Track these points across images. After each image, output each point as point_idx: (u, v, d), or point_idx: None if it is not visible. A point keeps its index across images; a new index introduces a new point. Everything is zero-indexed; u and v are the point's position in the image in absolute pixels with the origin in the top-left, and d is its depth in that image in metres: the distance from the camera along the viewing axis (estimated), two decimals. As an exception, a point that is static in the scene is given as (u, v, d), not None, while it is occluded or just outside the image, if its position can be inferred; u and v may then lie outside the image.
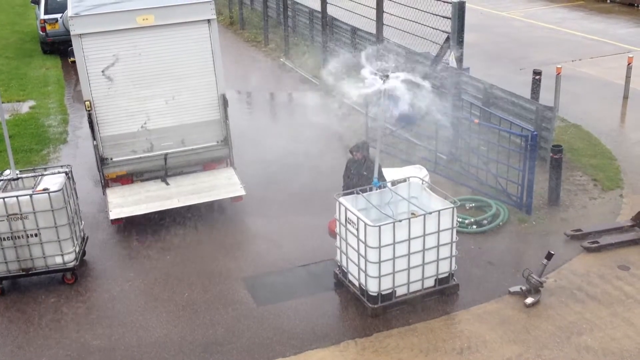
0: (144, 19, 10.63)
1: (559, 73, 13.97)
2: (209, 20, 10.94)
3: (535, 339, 8.14)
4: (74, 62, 11.25)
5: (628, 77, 15.53)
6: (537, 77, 13.86)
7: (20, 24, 27.28)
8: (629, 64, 15.41)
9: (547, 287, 8.95)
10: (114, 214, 10.53)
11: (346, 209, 8.60)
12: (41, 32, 21.96)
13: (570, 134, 13.71)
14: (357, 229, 8.40)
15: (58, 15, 21.30)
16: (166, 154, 11.22)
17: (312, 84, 17.35)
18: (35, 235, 9.21)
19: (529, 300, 8.75)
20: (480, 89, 13.28)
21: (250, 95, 17.41)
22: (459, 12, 12.07)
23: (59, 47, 21.44)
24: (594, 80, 17.06)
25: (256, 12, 25.34)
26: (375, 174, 9.32)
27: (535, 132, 10.72)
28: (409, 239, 8.40)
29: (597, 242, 9.92)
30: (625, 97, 15.56)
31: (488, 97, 13.06)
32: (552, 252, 8.83)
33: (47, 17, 21.61)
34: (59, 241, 9.31)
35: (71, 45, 10.62)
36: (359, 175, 9.42)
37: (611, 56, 18.84)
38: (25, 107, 17.09)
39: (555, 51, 19.51)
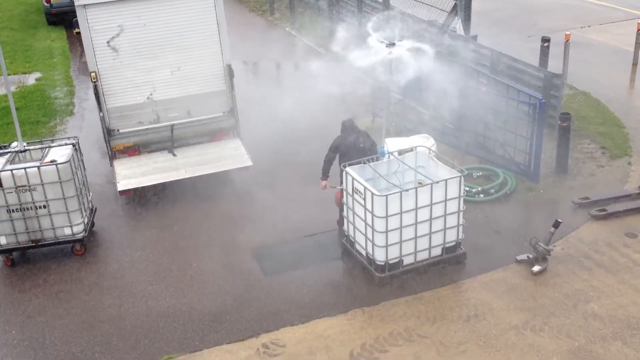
0: (148, -11, 10.56)
1: (568, 40, 13.81)
2: (213, -10, 10.85)
3: (542, 307, 8.18)
4: (79, 33, 11.20)
5: (637, 43, 15.36)
6: (546, 44, 13.71)
7: (25, -5, 27.10)
8: (638, 31, 15.22)
9: (554, 255, 8.96)
10: (121, 185, 10.56)
11: (353, 178, 8.59)
12: (46, 4, 21.86)
13: (578, 101, 13.61)
14: (364, 199, 8.41)
15: (62, -13, 21.16)
16: (172, 125, 11.21)
17: (319, 53, 17.24)
18: (44, 206, 9.26)
19: (536, 268, 8.77)
20: (488, 57, 13.16)
21: (255, 65, 17.30)
22: (466, -21, 11.94)
23: (63, 18, 21.35)
24: (603, 47, 16.88)
25: (261, -19, 25.09)
26: (382, 143, 9.29)
27: (543, 100, 10.63)
28: (416, 208, 8.40)
29: (605, 210, 9.90)
30: (635, 64, 15.40)
31: (495, 64, 12.94)
32: (560, 220, 8.82)
33: (51, -12, 21.49)
34: (68, 212, 9.37)
35: (76, 17, 10.56)
36: (357, 150, 9.33)
37: (620, 22, 18.61)
38: (31, 79, 17.07)
39: (564, 18, 19.28)
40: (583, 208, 10.08)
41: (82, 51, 19.17)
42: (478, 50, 13.35)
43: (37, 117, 14.50)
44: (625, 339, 7.61)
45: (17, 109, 10.91)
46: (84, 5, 10.40)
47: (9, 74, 14.67)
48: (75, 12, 10.55)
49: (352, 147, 9.33)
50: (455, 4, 12.32)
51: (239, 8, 23.22)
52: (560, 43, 13.90)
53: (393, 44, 9.65)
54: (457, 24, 12.60)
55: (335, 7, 18.17)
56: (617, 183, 10.83)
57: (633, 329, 7.75)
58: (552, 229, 8.82)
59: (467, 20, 12.47)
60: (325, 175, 9.52)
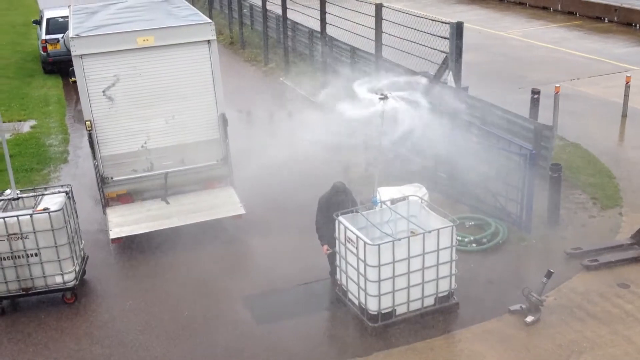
0: (144, 40, 10.73)
1: (558, 92, 14.04)
2: (209, 41, 11.03)
3: (535, 358, 8.13)
4: (74, 82, 11.34)
5: (626, 95, 15.62)
6: (536, 96, 13.93)
7: (22, 43, 27.47)
8: (627, 83, 15.51)
9: (547, 306, 8.94)
10: (114, 233, 10.55)
11: (345, 227, 8.62)
12: (42, 52, 22.14)
13: (569, 152, 13.76)
14: (357, 248, 8.42)
15: (59, 36, 21.46)
16: (166, 173, 11.27)
17: (312, 103, 17.43)
18: (36, 254, 9.23)
19: (529, 318, 8.74)
20: (479, 108, 13.33)
21: (250, 114, 17.46)
22: (457, 32, 12.17)
23: (60, 67, 21.60)
24: (592, 99, 17.15)
25: (256, 32, 25.51)
26: (375, 193, 9.35)
27: (533, 151, 10.76)
28: (409, 258, 8.42)
29: (597, 260, 9.93)
30: (624, 116, 15.64)
31: (487, 116, 13.11)
32: (552, 271, 8.84)
33: (48, 37, 21.80)
34: (59, 261, 9.33)
35: (72, 65, 10.70)
36: (338, 204, 9.24)
37: (609, 75, 18.95)
38: (26, 127, 17.17)
39: (553, 70, 19.63)
40: (575, 258, 10.11)
41: (78, 99, 19.36)
42: (469, 101, 13.54)
43: (31, 164, 14.54)
44: (619, 391, 7.57)
45: (11, 156, 10.95)
46: (81, 55, 10.54)
47: (4, 122, 14.78)
48: (71, 60, 10.69)
49: (338, 207, 9.28)
50: (446, 56, 12.54)
51: (235, 58, 23.55)
52: (550, 95, 14.12)
53: (385, 96, 9.79)
54: (448, 75, 12.79)
55: (328, 58, 18.46)
56: (609, 233, 10.88)
57: (627, 380, 7.72)
58: (545, 279, 8.83)
59: (458, 72, 12.67)
60: (324, 239, 9.34)
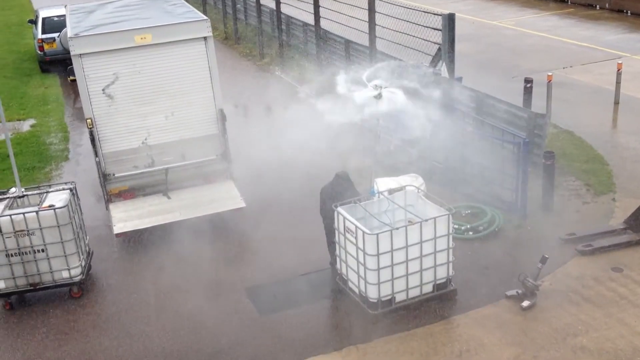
0: (142, 38, 10.89)
1: (550, 80, 14.26)
2: (205, 38, 11.20)
3: (532, 341, 8.36)
4: (73, 80, 11.51)
5: (618, 82, 15.80)
6: (529, 84, 14.13)
7: (18, 43, 27.54)
8: (618, 70, 15.70)
9: (543, 290, 9.17)
10: (117, 228, 10.75)
11: (344, 218, 8.83)
12: (39, 52, 22.25)
13: (562, 140, 13.97)
14: (356, 237, 8.63)
15: (55, 35, 21.60)
16: (167, 169, 11.45)
17: (308, 95, 17.60)
18: (42, 250, 9.42)
19: (525, 303, 8.97)
20: (473, 98, 13.52)
21: (246, 109, 17.62)
22: (450, 24, 12.36)
23: (57, 65, 21.73)
24: (585, 87, 17.35)
25: (251, 27, 25.63)
26: (372, 184, 9.55)
27: (527, 139, 10.97)
28: (407, 246, 8.63)
29: (591, 245, 10.15)
30: (616, 103, 15.83)
31: (481, 105, 13.30)
32: (547, 256, 9.06)
33: (44, 36, 21.92)
34: (65, 256, 9.53)
35: (69, 64, 10.84)
36: (340, 195, 9.41)
37: (601, 62, 19.14)
38: (25, 126, 17.33)
39: (546, 59, 19.81)
40: (569, 244, 10.33)
41: (76, 98, 19.55)
42: (463, 91, 13.73)
43: (33, 162, 14.71)
44: (613, 371, 7.81)
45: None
46: (80, 54, 10.70)
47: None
48: (69, 59, 10.84)
49: (341, 196, 9.43)
50: (439, 48, 12.72)
51: (230, 54, 23.68)
52: (543, 83, 14.33)
53: (380, 87, 9.98)
54: (442, 66, 12.98)
55: (323, 51, 18.62)
56: (602, 219, 11.10)
57: (621, 360, 7.96)
58: (540, 265, 9.05)
59: (451, 62, 12.86)
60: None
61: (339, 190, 9.40)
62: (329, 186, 9.60)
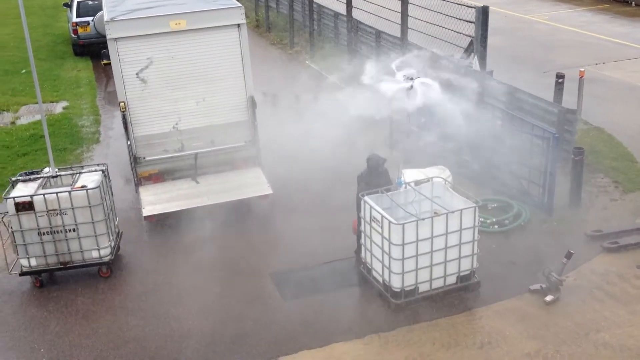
0: (176, 24, 11.03)
1: (582, 76, 14.14)
2: (238, 25, 11.31)
3: (554, 335, 8.38)
4: (106, 64, 11.67)
5: (651, 80, 15.65)
6: (560, 80, 14.03)
7: (52, 26, 27.95)
8: (652, 68, 15.53)
9: (567, 286, 9.17)
10: (147, 211, 10.93)
11: (371, 207, 8.90)
12: (73, 35, 22.57)
13: (592, 136, 13.87)
14: (382, 227, 8.70)
15: (90, 18, 21.89)
16: (196, 154, 11.60)
17: (338, 85, 17.65)
18: (73, 230, 9.63)
19: (549, 297, 8.98)
20: (504, 92, 13.47)
21: (276, 97, 17.72)
22: (483, 16, 12.32)
23: (90, 49, 22.04)
24: (617, 84, 17.18)
25: (282, 15, 25.73)
26: (399, 175, 9.60)
27: (556, 134, 10.92)
28: (432, 237, 8.68)
29: (617, 243, 10.11)
30: (649, 101, 15.68)
31: (511, 100, 13.25)
32: (572, 252, 9.06)
33: (79, 20, 22.23)
34: (96, 236, 9.73)
35: (103, 48, 11.00)
36: (377, 185, 9.56)
37: (635, 59, 18.92)
38: (58, 108, 17.63)
39: (579, 54, 19.64)
40: (595, 240, 10.30)
41: (108, 81, 19.84)
42: (494, 85, 13.68)
43: (65, 144, 14.98)
44: (635, 368, 7.81)
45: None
46: (116, 38, 10.87)
47: (36, 103, 15.19)
48: (102, 43, 11.00)
49: (375, 185, 9.54)
50: (472, 41, 12.69)
51: (260, 42, 23.81)
52: (575, 79, 14.23)
53: (412, 79, 10.01)
54: (474, 59, 12.95)
55: (353, 41, 18.64)
56: (630, 217, 11.04)
57: (643, 358, 7.95)
58: (565, 260, 9.05)
59: (483, 56, 12.82)
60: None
61: (374, 178, 9.46)
62: (364, 172, 9.65)
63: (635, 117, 15.08)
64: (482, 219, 10.61)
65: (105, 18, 11.03)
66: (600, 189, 11.85)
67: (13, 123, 16.55)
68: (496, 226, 10.79)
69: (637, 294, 9.07)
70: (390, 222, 8.54)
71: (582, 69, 14.47)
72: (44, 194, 9.45)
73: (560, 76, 14.08)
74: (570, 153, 11.47)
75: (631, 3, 25.89)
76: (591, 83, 15.97)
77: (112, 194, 10.46)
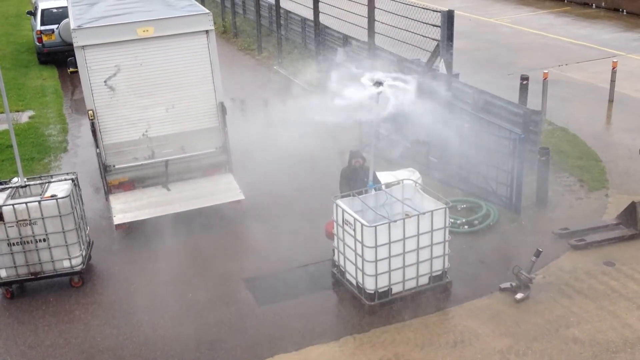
0: (144, 31, 11.01)
1: (546, 78, 14.43)
2: (207, 31, 11.31)
3: (525, 332, 8.54)
4: (73, 72, 11.59)
5: (613, 81, 15.99)
6: (525, 82, 14.26)
7: (16, 34, 27.56)
8: (613, 68, 15.88)
9: (536, 283, 9.35)
10: (117, 219, 10.87)
11: (343, 210, 8.98)
12: (37, 43, 22.29)
13: (557, 136, 14.15)
14: (354, 230, 8.78)
15: (54, 26, 21.67)
16: (167, 161, 11.58)
17: (306, 90, 17.73)
18: (44, 240, 9.54)
19: (519, 295, 9.14)
20: (469, 94, 13.68)
21: (245, 103, 17.75)
22: (448, 20, 12.47)
23: (55, 57, 21.80)
24: (580, 85, 17.54)
25: (249, 21, 25.75)
26: (370, 178, 9.70)
27: (522, 135, 11.13)
28: (404, 239, 8.78)
29: (584, 240, 10.34)
30: (610, 101, 16.03)
31: (477, 101, 13.46)
32: (541, 250, 9.24)
33: (43, 28, 21.97)
34: (67, 246, 9.65)
35: (68, 56, 10.91)
36: (361, 181, 9.71)
37: (596, 61, 19.33)
38: (24, 117, 17.41)
39: (542, 56, 19.99)
40: (563, 238, 10.51)
41: (75, 90, 19.64)
42: (460, 87, 13.89)
43: (32, 154, 14.81)
44: (604, 362, 8.00)
45: (11, 146, 11.21)
46: (83, 46, 10.80)
47: (1, 112, 15.01)
48: (67, 51, 10.91)
49: (357, 179, 9.69)
50: (438, 44, 12.85)
51: (228, 48, 23.77)
52: (539, 81, 14.50)
53: (379, 83, 10.10)
54: (440, 62, 13.11)
55: (321, 46, 18.75)
56: (595, 214, 11.29)
57: (612, 352, 8.13)
58: (534, 258, 9.23)
59: (449, 59, 12.98)
60: None
61: (354, 174, 9.58)
62: (346, 168, 9.76)
63: (598, 117, 15.43)
64: (453, 220, 10.76)
65: (72, 26, 10.96)
66: (566, 188, 12.10)
67: (-22, 133, 16.29)
68: (466, 227, 10.95)
69: (604, 290, 9.29)
70: (362, 224, 8.62)
71: (546, 71, 14.76)
72: (13, 204, 9.35)
73: (524, 78, 14.31)
74: (536, 153, 11.69)
75: (592, 5, 26.43)
76: (555, 84, 16.31)
77: (83, 203, 10.38)
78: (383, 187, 9.65)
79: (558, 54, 20.20)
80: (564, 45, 21.34)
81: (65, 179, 10.08)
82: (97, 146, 11.23)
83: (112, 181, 11.54)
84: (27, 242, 9.51)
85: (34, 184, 9.99)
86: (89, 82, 10.97)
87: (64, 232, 9.57)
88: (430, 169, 12.52)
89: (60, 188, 9.77)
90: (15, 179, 10.07)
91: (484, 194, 11.76)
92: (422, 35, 13.12)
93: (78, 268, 9.81)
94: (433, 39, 12.89)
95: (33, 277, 9.75)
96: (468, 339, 8.47)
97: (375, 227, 8.57)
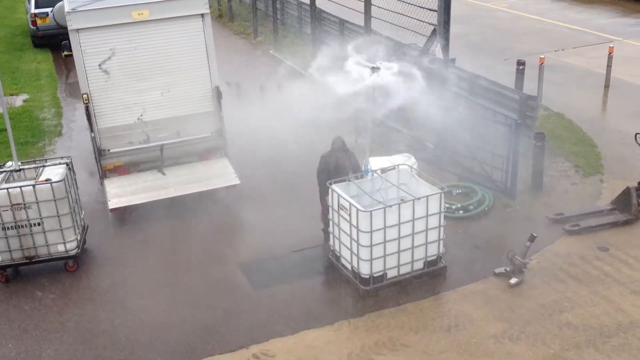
0: (139, 14, 10.94)
1: (542, 63, 14.39)
2: (202, 15, 11.26)
3: (519, 317, 8.58)
4: (67, 55, 11.52)
5: (609, 66, 15.98)
6: (521, 67, 14.25)
7: (9, 17, 27.40)
8: (609, 54, 15.86)
9: (530, 268, 9.39)
10: (112, 204, 10.86)
11: (339, 195, 8.97)
12: (32, 26, 22.16)
13: (553, 122, 14.15)
14: (350, 215, 8.78)
15: (49, 9, 21.53)
16: (162, 145, 11.54)
17: (302, 75, 17.67)
18: (38, 224, 9.52)
19: (513, 280, 9.18)
20: (466, 79, 13.65)
21: (240, 87, 17.68)
22: (445, 5, 12.41)
23: (49, 40, 21.67)
24: (576, 70, 17.51)
25: (245, 5, 25.61)
26: (365, 163, 9.69)
27: (518, 120, 11.12)
28: (399, 224, 8.80)
29: (578, 225, 10.36)
30: (606, 86, 16.02)
31: (473, 87, 13.44)
32: (535, 235, 9.26)
33: (37, 11, 21.84)
34: (61, 230, 9.64)
35: (62, 39, 10.84)
36: (342, 167, 9.66)
37: (593, 46, 19.30)
38: (18, 101, 17.33)
39: (538, 41, 19.94)
40: (557, 223, 10.54)
41: (69, 73, 19.54)
42: (456, 72, 13.84)
43: (26, 137, 14.75)
44: (597, 346, 8.02)
45: (5, 129, 11.16)
46: (77, 29, 10.74)
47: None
48: (62, 34, 10.85)
49: (337, 167, 9.66)
50: (435, 29, 12.80)
51: (224, 31, 23.66)
52: (535, 66, 14.46)
53: (376, 67, 10.08)
54: (436, 47, 13.06)
55: (317, 31, 18.66)
56: (590, 199, 11.32)
57: (605, 336, 8.17)
58: (528, 243, 9.26)
59: (445, 43, 12.94)
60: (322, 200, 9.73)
61: (334, 157, 9.55)
62: (327, 153, 9.73)
63: (594, 103, 15.42)
64: (448, 205, 10.76)
65: (66, 9, 10.88)
66: (561, 173, 12.11)
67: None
68: (461, 212, 10.97)
69: (598, 275, 9.33)
70: (358, 209, 8.62)
71: (542, 56, 14.71)
72: (7, 188, 9.32)
73: (521, 63, 14.30)
74: (531, 138, 11.69)
75: (588, -10, 26.32)
76: (551, 69, 16.26)
77: (77, 187, 10.36)
78: (378, 172, 9.61)
79: (554, 39, 20.15)
80: (560, 30, 21.29)
81: (60, 163, 10.05)
82: (91, 130, 11.20)
83: (106, 165, 11.52)
84: (22, 226, 9.49)
85: (29, 168, 9.95)
86: (83, 66, 10.92)
87: (58, 216, 9.55)
88: (426, 154, 12.50)
89: (54, 172, 9.74)
90: (9, 163, 10.04)
91: (479, 179, 11.76)
92: (419, 20, 13.07)
93: (73, 252, 9.80)
94: (430, 24, 12.84)
95: (28, 261, 9.74)
96: (462, 323, 8.50)
97: (371, 212, 8.58)
